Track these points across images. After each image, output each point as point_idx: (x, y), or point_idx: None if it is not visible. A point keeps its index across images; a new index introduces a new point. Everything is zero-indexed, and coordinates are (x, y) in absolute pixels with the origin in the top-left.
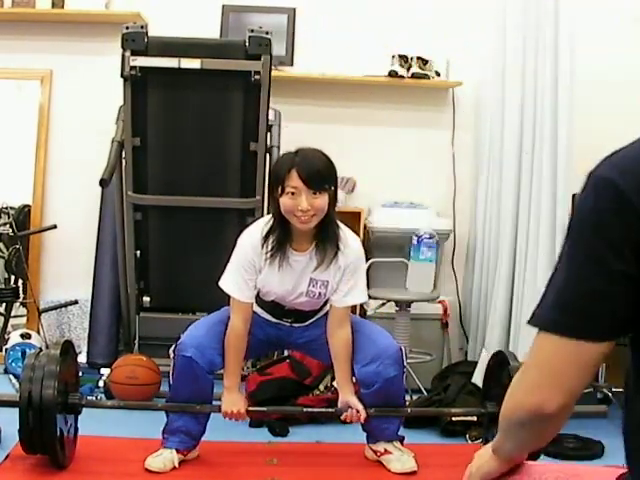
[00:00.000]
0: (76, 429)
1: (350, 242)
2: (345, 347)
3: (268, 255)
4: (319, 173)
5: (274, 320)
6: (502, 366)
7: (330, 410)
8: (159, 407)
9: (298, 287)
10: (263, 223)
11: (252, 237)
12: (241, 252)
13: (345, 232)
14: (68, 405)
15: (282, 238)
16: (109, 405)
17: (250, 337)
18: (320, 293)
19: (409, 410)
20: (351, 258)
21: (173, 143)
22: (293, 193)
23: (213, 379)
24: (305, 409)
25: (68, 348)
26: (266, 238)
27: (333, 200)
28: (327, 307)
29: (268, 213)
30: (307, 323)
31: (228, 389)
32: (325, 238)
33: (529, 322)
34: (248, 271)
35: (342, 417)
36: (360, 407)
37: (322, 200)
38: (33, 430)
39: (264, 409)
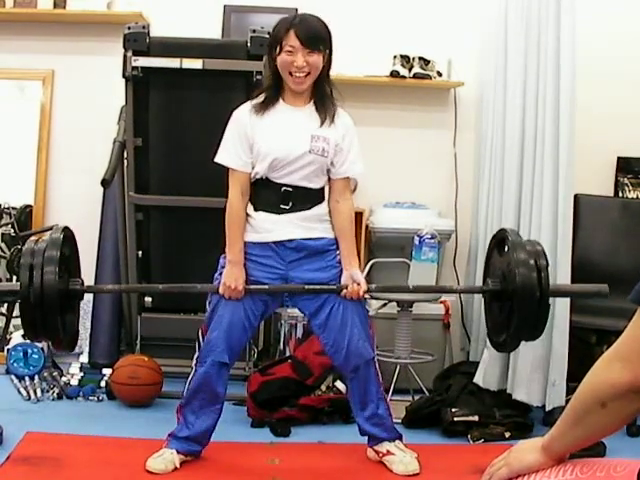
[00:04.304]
0: (78, 314)
1: (342, 112)
2: (348, 220)
3: (258, 109)
4: (316, 33)
5: (271, 225)
6: (502, 243)
7: (332, 287)
8: (160, 289)
9: (300, 145)
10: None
11: (241, 109)
12: (232, 125)
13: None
14: (69, 291)
15: (273, 93)
16: (109, 289)
17: (252, 281)
18: (324, 148)
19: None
20: (347, 124)
21: (175, 143)
22: (290, 51)
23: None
24: (305, 287)
25: (68, 233)
26: (257, 103)
27: (328, 64)
28: (327, 184)
29: None
30: (307, 208)
31: (232, 262)
32: (323, 95)
33: (629, 298)
34: (241, 140)
35: (342, 293)
36: (362, 281)
37: (317, 58)
38: (35, 318)
39: (265, 287)
